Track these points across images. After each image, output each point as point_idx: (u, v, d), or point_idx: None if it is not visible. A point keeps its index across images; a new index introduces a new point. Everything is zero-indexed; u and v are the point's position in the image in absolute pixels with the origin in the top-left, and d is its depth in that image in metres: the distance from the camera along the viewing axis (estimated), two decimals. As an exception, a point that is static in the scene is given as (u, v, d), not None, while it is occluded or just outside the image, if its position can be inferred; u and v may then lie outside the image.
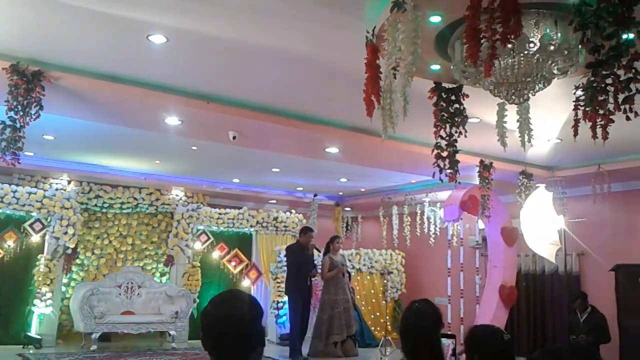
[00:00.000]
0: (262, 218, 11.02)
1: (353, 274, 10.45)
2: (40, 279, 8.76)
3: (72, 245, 9.14)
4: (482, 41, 2.84)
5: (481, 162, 7.22)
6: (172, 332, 9.19)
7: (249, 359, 1.71)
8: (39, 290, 8.72)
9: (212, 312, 1.74)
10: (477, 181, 7.33)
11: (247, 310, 1.73)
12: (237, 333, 1.68)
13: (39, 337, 8.59)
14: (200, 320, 1.76)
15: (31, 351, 8.23)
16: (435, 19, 3.42)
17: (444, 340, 2.94)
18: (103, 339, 8.88)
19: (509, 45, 3.04)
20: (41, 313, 8.74)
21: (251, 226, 10.95)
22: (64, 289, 9.46)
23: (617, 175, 7.46)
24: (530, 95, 3.57)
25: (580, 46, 3.26)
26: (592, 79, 2.94)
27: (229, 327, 1.69)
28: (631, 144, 6.73)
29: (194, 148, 7.66)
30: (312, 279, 8.67)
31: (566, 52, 3.38)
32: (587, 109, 2.90)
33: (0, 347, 8.32)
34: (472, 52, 2.79)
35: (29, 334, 8.63)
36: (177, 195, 10.59)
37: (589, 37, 2.86)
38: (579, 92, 3.97)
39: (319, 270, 8.80)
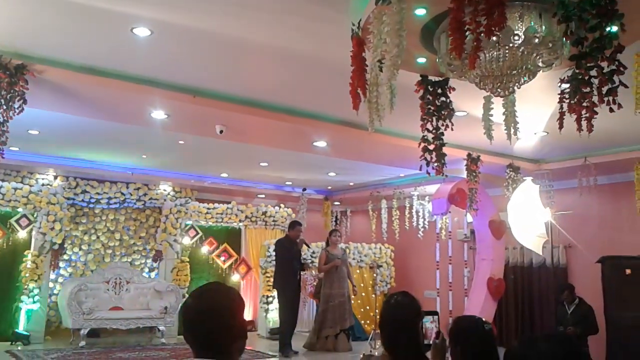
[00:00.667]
0: (251, 212, 11.00)
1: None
2: (27, 275, 8.71)
3: (59, 241, 9.08)
4: (466, 33, 2.84)
5: (468, 155, 7.24)
6: (161, 328, 9.16)
7: (231, 351, 1.69)
8: (26, 287, 8.67)
9: (192, 305, 1.73)
10: (464, 174, 7.36)
11: (227, 303, 1.72)
12: (217, 325, 1.67)
13: (27, 333, 8.54)
14: (181, 314, 1.75)
15: (19, 348, 8.19)
16: (421, 11, 3.41)
17: (427, 323, 2.95)
18: (92, 334, 8.84)
19: (494, 38, 3.05)
20: (29, 309, 8.68)
21: (240, 221, 10.92)
22: (51, 285, 9.41)
23: (603, 167, 7.52)
24: (515, 88, 3.57)
25: (564, 39, 3.27)
26: (576, 71, 2.95)
27: (209, 319, 1.68)
28: (617, 137, 6.78)
29: (181, 142, 7.61)
30: (302, 272, 8.67)
31: (551, 45, 3.38)
32: (571, 101, 2.89)
33: (-12, 344, 8.27)
34: (456, 45, 2.78)
35: (17, 330, 8.58)
36: (165, 190, 10.55)
37: (572, 29, 2.87)
38: (564, 85, 4.00)
39: (312, 265, 8.80)
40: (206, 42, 4.41)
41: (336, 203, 12.59)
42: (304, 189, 11.54)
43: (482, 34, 2.78)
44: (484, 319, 2.64)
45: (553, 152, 7.76)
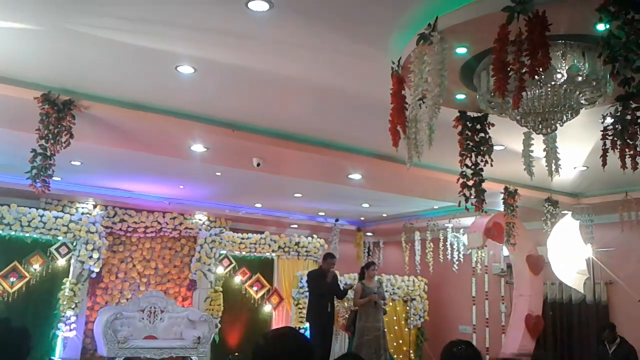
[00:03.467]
0: (284, 243, 11.02)
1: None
2: (65, 302, 8.84)
3: (97, 269, 9.23)
4: (509, 73, 2.84)
5: (506, 188, 7.14)
6: (194, 358, 9.16)
7: None
8: (63, 314, 8.80)
9: (265, 348, 1.72)
10: (501, 208, 7.26)
11: (300, 351, 1.72)
12: None
13: (63, 361, 8.64)
14: (252, 354, 1.74)
15: (55, 375, 8.28)
16: (462, 50, 3.43)
17: None
18: (125, 363, 8.90)
19: (541, 75, 3.04)
20: (65, 337, 8.79)
21: (273, 251, 10.94)
22: (87, 312, 9.53)
23: (646, 203, 7.33)
24: (558, 125, 3.54)
25: (609, 77, 3.24)
26: (623, 111, 2.92)
27: None
28: (659, 172, 6.61)
29: (218, 174, 7.73)
30: (337, 302, 8.59)
31: (594, 83, 3.36)
32: (617, 141, 2.85)
33: (25, 371, 8.36)
34: (500, 85, 2.79)
35: (53, 358, 8.68)
36: (200, 220, 10.66)
37: (618, 69, 2.85)
38: (608, 121, 3.95)
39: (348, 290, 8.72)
40: (246, 78, 4.50)
41: (369, 234, 12.53)
42: (337, 220, 11.53)
43: (525, 74, 2.78)
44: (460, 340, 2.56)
45: (593, 187, 7.61)
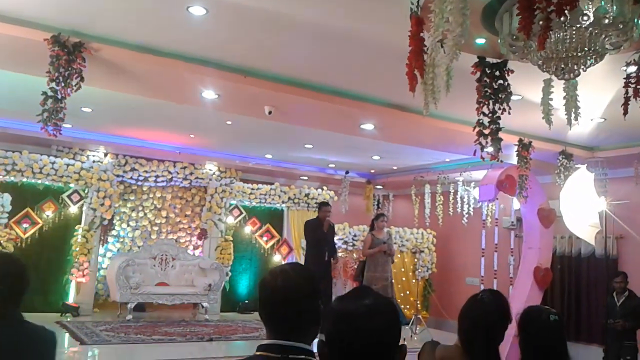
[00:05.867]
0: (294, 194, 11.04)
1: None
2: (77, 249, 8.97)
3: (109, 217, 9.32)
4: (535, 12, 2.72)
5: (520, 140, 7.04)
6: (205, 304, 9.33)
7: (300, 337, 1.65)
8: (76, 260, 8.94)
9: (270, 282, 1.69)
10: (514, 160, 7.18)
11: (305, 285, 1.68)
12: (291, 307, 1.64)
13: (76, 305, 8.82)
14: (261, 291, 1.72)
15: (69, 319, 8.46)
16: (484, -10, 3.29)
17: None
18: (137, 309, 9.06)
19: (563, 18, 2.92)
20: (78, 282, 8.96)
21: (283, 202, 10.98)
22: (100, 259, 9.68)
23: (661, 156, 7.23)
24: (581, 70, 3.43)
25: (637, 20, 3.12)
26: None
27: (284, 299, 1.64)
28: (677, 125, 6.48)
29: (229, 122, 7.66)
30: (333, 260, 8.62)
31: (621, 26, 3.22)
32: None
33: (39, 315, 8.52)
34: (525, 24, 2.68)
35: (66, 302, 8.87)
36: (210, 170, 10.67)
37: (650, 9, 2.73)
38: (631, 69, 3.83)
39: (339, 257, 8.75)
40: (259, 22, 4.38)
41: (378, 187, 12.50)
42: (347, 172, 11.50)
43: (552, 13, 2.67)
44: (551, 309, 2.52)
45: (609, 140, 7.49)
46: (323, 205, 8.70)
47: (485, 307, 2.41)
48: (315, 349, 1.67)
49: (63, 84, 4.43)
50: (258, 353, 1.67)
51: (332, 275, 8.91)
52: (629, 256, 8.35)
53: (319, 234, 8.41)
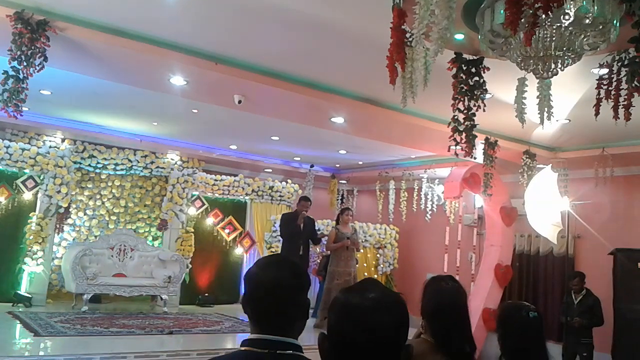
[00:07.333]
0: (258, 187, 10.91)
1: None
2: (31, 237, 8.63)
3: (65, 205, 9.00)
4: (522, 8, 2.72)
5: (486, 139, 7.13)
6: (164, 297, 9.12)
7: (287, 332, 1.59)
8: (30, 249, 8.59)
9: (257, 275, 1.62)
10: (479, 158, 7.26)
11: (292, 279, 1.62)
12: (278, 301, 1.57)
13: (29, 295, 8.49)
14: (248, 283, 1.64)
15: (21, 309, 8.13)
16: (468, -15, 3.27)
17: None
18: (93, 300, 8.79)
19: (546, 16, 2.93)
20: (32, 271, 8.62)
21: (246, 194, 10.84)
22: (55, 248, 9.34)
23: (620, 159, 7.43)
24: (559, 70, 3.46)
25: (615, 22, 3.16)
26: (634, 54, 2.84)
27: (271, 293, 1.58)
28: (636, 129, 6.66)
29: (195, 111, 7.48)
30: (312, 246, 8.63)
31: (601, 27, 3.26)
32: (631, 84, 2.80)
33: (-10, 304, 8.22)
34: (512, 19, 2.66)
35: (19, 292, 8.52)
36: (172, 159, 10.44)
37: (634, 9, 2.76)
38: (603, 71, 3.88)
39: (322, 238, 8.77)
40: (232, 7, 4.27)
41: (343, 181, 12.50)
42: (312, 166, 11.45)
43: (539, 10, 2.66)
44: (530, 306, 2.52)
45: (571, 141, 7.66)
46: (302, 200, 8.71)
47: (457, 292, 2.37)
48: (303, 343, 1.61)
49: (25, 64, 4.21)
50: (243, 348, 1.60)
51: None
52: (586, 255, 8.57)
53: (292, 227, 8.35)
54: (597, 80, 3.90)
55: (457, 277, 7.98)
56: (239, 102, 6.09)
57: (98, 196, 10.06)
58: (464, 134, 4.26)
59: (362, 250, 10.30)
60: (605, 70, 3.91)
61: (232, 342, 7.24)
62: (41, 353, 6.22)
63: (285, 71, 5.65)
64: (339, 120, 6.94)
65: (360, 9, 4.13)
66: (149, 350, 6.24)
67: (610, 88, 3.82)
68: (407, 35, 3.45)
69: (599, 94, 3.84)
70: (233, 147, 10.17)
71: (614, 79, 3.64)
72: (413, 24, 3.21)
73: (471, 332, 2.34)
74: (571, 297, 7.40)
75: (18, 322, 7.28)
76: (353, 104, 6.33)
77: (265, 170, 11.68)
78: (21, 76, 4.23)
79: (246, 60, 5.41)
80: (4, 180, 8.63)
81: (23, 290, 8.59)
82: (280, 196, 11.12)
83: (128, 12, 4.46)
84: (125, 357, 5.87)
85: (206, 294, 10.29)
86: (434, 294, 2.37)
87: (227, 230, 10.78)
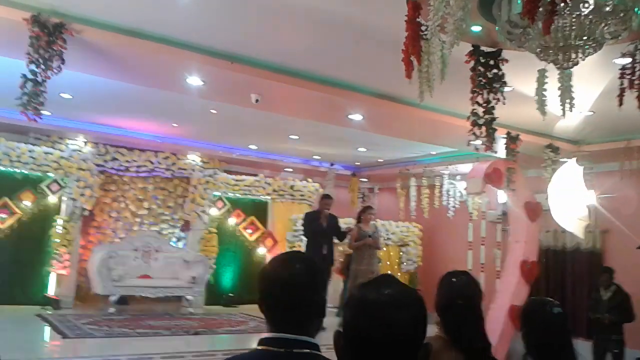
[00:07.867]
0: (279, 186, 10.92)
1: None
2: (57, 240, 8.75)
3: (89, 207, 9.12)
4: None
5: (508, 133, 7.01)
6: (189, 297, 9.18)
7: (304, 330, 1.54)
8: (56, 252, 8.71)
9: (270, 273, 1.59)
10: (501, 153, 7.14)
11: (307, 276, 1.57)
12: (293, 298, 1.53)
13: (57, 298, 8.60)
14: (261, 282, 1.61)
15: (49, 312, 8.25)
16: (484, -26, 3.20)
17: None
18: (119, 302, 8.89)
19: (564, 4, 2.86)
20: (59, 274, 8.74)
21: (267, 194, 10.85)
22: (81, 251, 9.46)
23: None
24: (579, 60, 3.36)
25: (637, 9, 3.06)
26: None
27: (285, 290, 1.53)
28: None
29: (213, 111, 7.50)
30: (341, 239, 8.54)
31: (622, 14, 3.16)
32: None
33: (19, 307, 8.35)
34: (530, 8, 2.59)
35: (47, 294, 8.65)
36: (193, 161, 10.50)
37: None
38: (626, 60, 3.77)
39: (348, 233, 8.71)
40: (247, 6, 4.26)
41: (363, 179, 12.43)
42: (332, 164, 11.40)
43: (557, -3, 2.59)
44: (554, 302, 2.44)
45: (595, 134, 7.49)
46: (323, 198, 8.63)
47: (469, 285, 2.34)
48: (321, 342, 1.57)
49: (43, 67, 4.25)
50: (260, 347, 1.56)
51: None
52: (614, 250, 8.38)
53: (315, 226, 8.30)
54: (619, 70, 3.80)
55: (481, 274, 7.84)
56: (256, 101, 6.08)
57: (122, 198, 10.16)
58: (483, 128, 4.19)
59: (383, 249, 10.22)
60: (627, 60, 3.81)
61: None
62: (70, 355, 6.29)
63: (301, 69, 5.61)
64: (357, 117, 6.89)
65: (375, 4, 4.08)
66: (175, 351, 6.31)
67: (633, 77, 3.72)
68: (423, 28, 3.40)
69: (622, 83, 3.74)
70: (252, 146, 10.18)
71: (637, 68, 3.55)
72: (428, 16, 3.16)
73: (484, 327, 2.28)
74: (599, 293, 7.23)
75: (46, 324, 7.39)
76: (371, 100, 6.27)
77: (286, 169, 11.67)
78: (39, 79, 4.27)
79: (262, 58, 5.39)
80: (29, 185, 8.77)
81: (50, 293, 8.72)
82: (301, 195, 11.11)
83: (143, 13, 4.47)
84: (152, 358, 5.93)
85: (231, 294, 10.33)
86: (444, 289, 2.35)
87: (249, 230, 10.80)
